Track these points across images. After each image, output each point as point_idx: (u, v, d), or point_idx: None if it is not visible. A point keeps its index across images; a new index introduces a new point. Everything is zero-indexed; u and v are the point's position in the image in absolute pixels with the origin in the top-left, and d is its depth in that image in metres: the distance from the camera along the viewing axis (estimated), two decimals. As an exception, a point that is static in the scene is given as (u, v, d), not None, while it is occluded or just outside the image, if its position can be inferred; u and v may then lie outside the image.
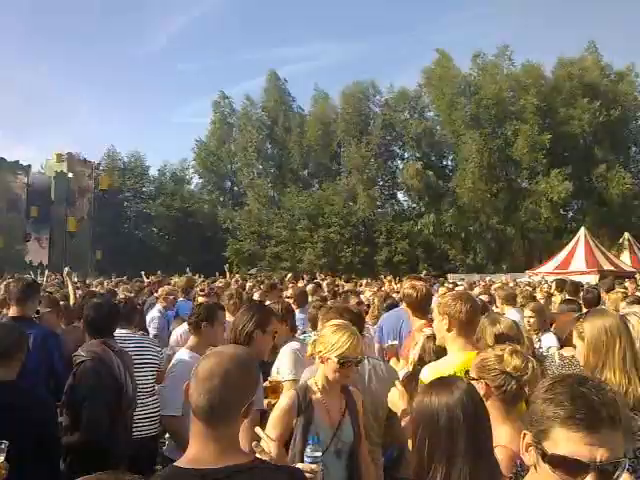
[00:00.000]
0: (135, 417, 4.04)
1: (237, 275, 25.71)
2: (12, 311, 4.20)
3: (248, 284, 13.83)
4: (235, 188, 48.90)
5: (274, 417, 2.62)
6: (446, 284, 13.74)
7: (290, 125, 44.50)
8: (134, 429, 4.02)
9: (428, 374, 2.93)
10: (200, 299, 7.11)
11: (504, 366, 2.35)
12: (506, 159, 38.93)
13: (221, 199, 48.75)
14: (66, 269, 7.34)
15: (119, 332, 4.42)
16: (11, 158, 36.19)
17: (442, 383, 2.03)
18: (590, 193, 38.53)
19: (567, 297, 7.68)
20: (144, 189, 47.42)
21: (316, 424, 2.59)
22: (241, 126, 45.88)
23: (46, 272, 17.95)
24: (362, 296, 9.05)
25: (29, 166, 37.57)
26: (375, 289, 11.13)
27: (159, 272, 18.90)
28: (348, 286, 13.49)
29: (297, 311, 6.36)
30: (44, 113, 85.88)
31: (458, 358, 3.03)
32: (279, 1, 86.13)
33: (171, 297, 7.30)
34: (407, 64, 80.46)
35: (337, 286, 12.72)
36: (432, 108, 42.53)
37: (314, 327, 4.69)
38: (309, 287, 9.28)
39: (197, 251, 40.38)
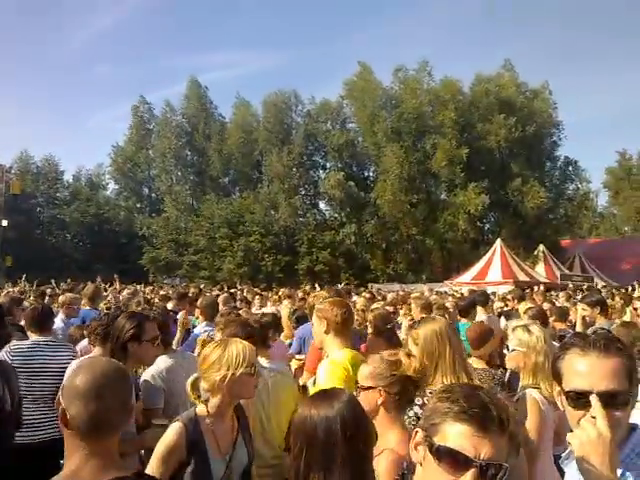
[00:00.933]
0: (47, 419, 4.37)
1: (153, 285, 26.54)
2: None
3: (161, 292, 14.28)
4: (153, 195, 49.44)
5: (159, 454, 2.49)
6: (363, 294, 13.98)
7: (210, 132, 45.47)
8: (41, 431, 4.36)
9: (325, 370, 3.24)
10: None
11: (403, 371, 2.45)
12: (425, 172, 40.80)
13: (138, 205, 49.26)
14: None
15: (37, 338, 4.60)
16: None
17: (323, 396, 2.08)
18: (506, 206, 40.65)
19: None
20: (58, 194, 47.55)
21: (208, 461, 2.53)
22: (160, 132, 46.55)
23: None
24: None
25: None
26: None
27: (69, 280, 19.63)
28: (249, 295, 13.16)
29: (204, 324, 6.30)
30: None
31: (345, 354, 3.35)
32: (200, 7, 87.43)
33: (74, 306, 7.37)
34: (329, 75, 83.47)
35: (258, 294, 12.68)
36: (354, 120, 44.15)
37: None
38: (221, 297, 9.15)
39: (113, 259, 40.59)
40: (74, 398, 1.71)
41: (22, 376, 4.16)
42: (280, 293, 13.63)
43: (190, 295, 9.94)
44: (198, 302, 7.11)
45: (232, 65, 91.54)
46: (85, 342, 4.91)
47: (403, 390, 2.42)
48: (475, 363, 4.24)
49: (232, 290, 17.18)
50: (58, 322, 7.01)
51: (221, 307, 7.22)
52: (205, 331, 5.73)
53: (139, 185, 49.37)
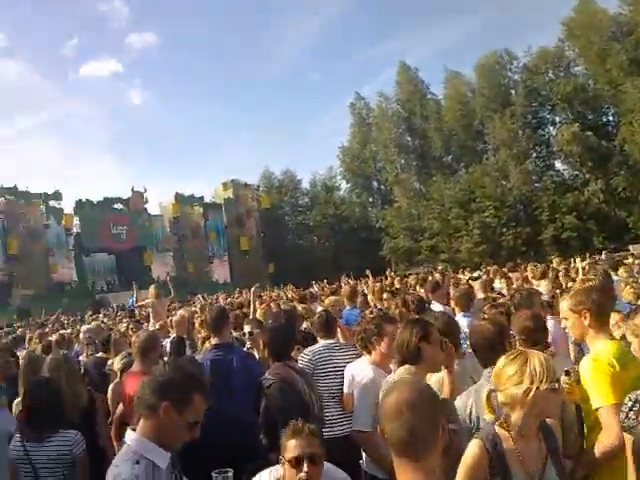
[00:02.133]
0: (341, 415, 4.57)
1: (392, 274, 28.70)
2: (213, 340, 4.96)
3: (411, 281, 14.17)
4: (382, 187, 52.12)
5: (462, 473, 2.47)
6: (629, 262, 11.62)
7: (427, 113, 46.50)
8: (339, 426, 4.53)
9: (589, 369, 2.90)
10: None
11: None
12: (682, 99, 36.07)
13: (370, 200, 52.61)
14: (253, 287, 8.37)
15: (326, 342, 4.95)
16: (186, 192, 45.25)
17: None
18: None
19: None
20: (300, 202, 54.00)
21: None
22: (379, 124, 49.00)
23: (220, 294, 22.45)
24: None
25: (202, 197, 46.53)
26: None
27: (324, 282, 22.46)
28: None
29: (460, 315, 6.10)
30: (204, 146, 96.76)
31: (608, 346, 2.98)
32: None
33: (337, 308, 7.66)
34: (542, 21, 74.62)
35: (505, 277, 11.81)
36: (579, 62, 41.22)
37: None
38: (477, 283, 8.86)
39: (356, 253, 44.02)
40: (384, 419, 1.85)
41: (322, 377, 4.70)
42: (529, 271, 12.09)
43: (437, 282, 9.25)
44: (451, 293, 7.00)
45: (436, 37, 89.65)
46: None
47: None
48: None
49: (476, 274, 16.88)
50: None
51: (480, 295, 7.12)
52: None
53: (368, 180, 52.40)
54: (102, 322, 13.46)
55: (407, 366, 3.35)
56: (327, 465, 2.85)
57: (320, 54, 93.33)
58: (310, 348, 4.97)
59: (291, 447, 2.71)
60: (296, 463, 2.67)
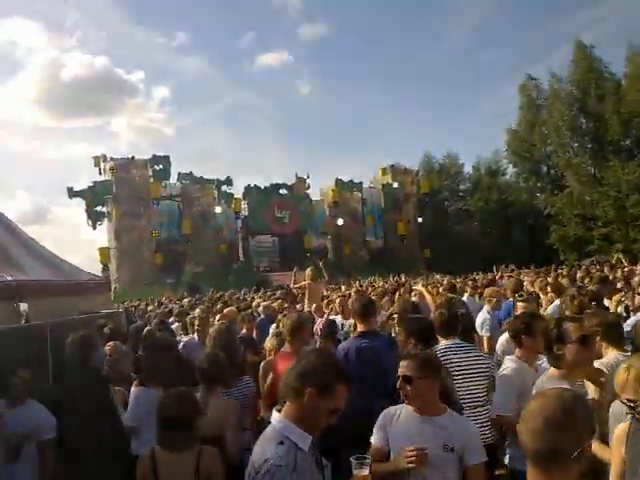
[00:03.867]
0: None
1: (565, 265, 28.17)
2: (359, 327, 5.29)
3: (578, 274, 14.25)
4: (552, 171, 50.78)
5: (612, 447, 2.64)
6: None
7: (604, 93, 44.62)
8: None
9: None
10: (520, 304, 6.62)
11: None
12: None
13: (538, 185, 51.34)
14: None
15: (445, 342, 4.69)
16: (346, 178, 47.96)
17: None
18: None
19: None
20: (461, 187, 54.51)
21: None
22: (550, 106, 47.80)
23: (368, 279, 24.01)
24: None
25: (361, 183, 48.90)
26: None
27: (485, 274, 21.60)
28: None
29: None
30: (365, 131, 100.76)
31: None
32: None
33: (494, 300, 7.90)
34: None
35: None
36: None
37: None
38: None
39: (519, 241, 44.24)
40: (522, 423, 1.87)
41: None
42: None
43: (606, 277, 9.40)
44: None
45: (614, 11, 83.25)
46: (505, 334, 5.45)
47: None
48: None
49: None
50: (485, 314, 7.75)
51: None
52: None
53: (537, 164, 51.17)
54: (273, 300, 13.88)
55: (552, 369, 3.52)
56: (461, 418, 3.25)
57: (487, 35, 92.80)
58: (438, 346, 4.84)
59: None
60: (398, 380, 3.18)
